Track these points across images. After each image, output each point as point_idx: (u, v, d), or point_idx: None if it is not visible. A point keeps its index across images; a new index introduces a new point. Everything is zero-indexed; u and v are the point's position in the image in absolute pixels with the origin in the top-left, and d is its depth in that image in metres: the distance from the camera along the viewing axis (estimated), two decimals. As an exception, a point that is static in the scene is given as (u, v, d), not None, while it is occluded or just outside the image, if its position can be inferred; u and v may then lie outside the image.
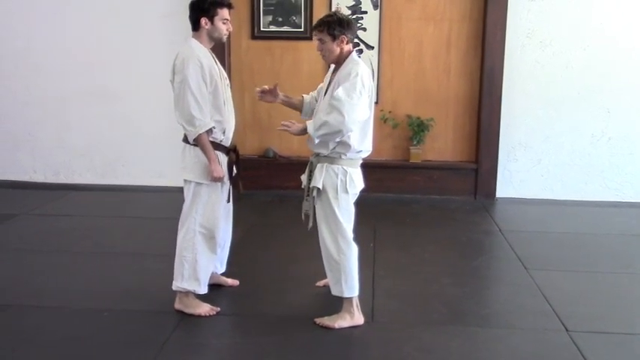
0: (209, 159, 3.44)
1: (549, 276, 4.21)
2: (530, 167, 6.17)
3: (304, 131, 3.34)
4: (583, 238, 5.08)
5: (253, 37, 6.13)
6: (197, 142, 3.43)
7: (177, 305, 3.59)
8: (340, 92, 3.22)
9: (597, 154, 6.09)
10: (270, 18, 6.09)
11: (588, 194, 6.14)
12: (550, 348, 3.26)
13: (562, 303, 3.77)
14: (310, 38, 6.05)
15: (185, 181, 3.55)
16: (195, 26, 3.48)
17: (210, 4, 3.44)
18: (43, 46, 6.32)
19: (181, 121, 3.41)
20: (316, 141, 3.30)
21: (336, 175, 3.36)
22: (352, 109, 3.20)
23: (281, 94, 3.68)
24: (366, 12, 5.98)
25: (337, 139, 3.29)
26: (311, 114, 3.65)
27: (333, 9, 5.89)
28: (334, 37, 3.31)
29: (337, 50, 3.34)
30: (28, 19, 6.29)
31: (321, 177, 3.36)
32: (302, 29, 6.04)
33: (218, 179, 3.49)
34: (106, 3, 6.20)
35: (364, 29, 6.00)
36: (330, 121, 3.21)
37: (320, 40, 3.35)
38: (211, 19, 3.46)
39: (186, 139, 3.51)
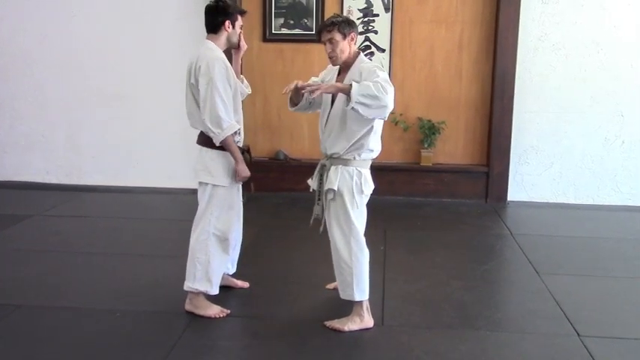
0: (236, 160, 3.48)
1: (561, 280, 4.18)
2: (542, 171, 6.13)
3: (343, 91, 3.18)
4: (595, 242, 5.03)
5: (265, 39, 6.15)
6: (223, 144, 3.45)
7: (188, 306, 3.60)
8: (380, 74, 3.15)
9: (610, 158, 6.05)
10: (281, 20, 6.10)
11: (601, 198, 6.10)
12: (561, 353, 3.23)
13: (574, 308, 3.74)
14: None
15: (200, 183, 3.57)
16: (216, 29, 3.52)
17: (233, 10, 3.54)
18: (56, 48, 6.37)
19: (207, 123, 3.40)
20: (352, 105, 3.09)
21: (351, 177, 3.36)
22: (391, 92, 3.12)
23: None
24: (377, 15, 5.98)
25: (373, 115, 3.15)
26: (302, 108, 3.60)
27: (345, 11, 5.90)
28: (345, 36, 3.32)
29: (348, 49, 3.35)
30: (42, 22, 6.34)
31: (336, 179, 3.36)
32: (313, 32, 6.03)
33: (245, 179, 3.56)
34: (118, 6, 6.24)
35: (375, 32, 6.00)
36: (380, 89, 3.08)
37: (330, 40, 3.33)
38: (233, 24, 3.54)
39: (203, 142, 3.53)
